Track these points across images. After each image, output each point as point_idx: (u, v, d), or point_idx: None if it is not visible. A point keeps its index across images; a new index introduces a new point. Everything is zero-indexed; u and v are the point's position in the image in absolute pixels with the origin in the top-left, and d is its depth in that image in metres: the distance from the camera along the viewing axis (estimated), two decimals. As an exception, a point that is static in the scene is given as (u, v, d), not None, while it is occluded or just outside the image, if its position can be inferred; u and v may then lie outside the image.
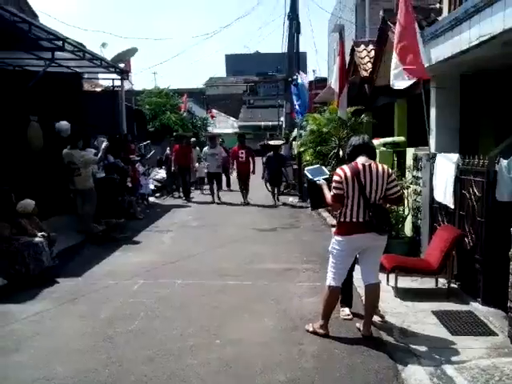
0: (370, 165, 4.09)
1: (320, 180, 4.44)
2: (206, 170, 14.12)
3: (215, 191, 13.48)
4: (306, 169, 4.87)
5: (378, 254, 4.34)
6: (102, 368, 3.77)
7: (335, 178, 4.12)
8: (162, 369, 3.76)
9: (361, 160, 4.11)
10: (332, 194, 4.15)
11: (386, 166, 4.22)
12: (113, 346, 4.17)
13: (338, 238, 4.19)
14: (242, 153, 13.06)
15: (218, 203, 13.19)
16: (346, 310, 4.77)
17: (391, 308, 4.87)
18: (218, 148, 14.00)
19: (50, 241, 6.56)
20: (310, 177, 4.57)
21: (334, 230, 4.40)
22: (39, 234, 6.24)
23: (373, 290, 4.29)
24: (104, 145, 9.00)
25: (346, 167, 4.14)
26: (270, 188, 13.32)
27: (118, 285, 5.92)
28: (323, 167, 4.85)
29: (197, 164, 15.40)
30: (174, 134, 16.77)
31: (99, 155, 8.83)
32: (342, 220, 4.17)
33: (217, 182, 13.59)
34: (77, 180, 8.46)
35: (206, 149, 14.01)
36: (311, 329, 4.35)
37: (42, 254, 6.02)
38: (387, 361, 3.84)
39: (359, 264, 4.45)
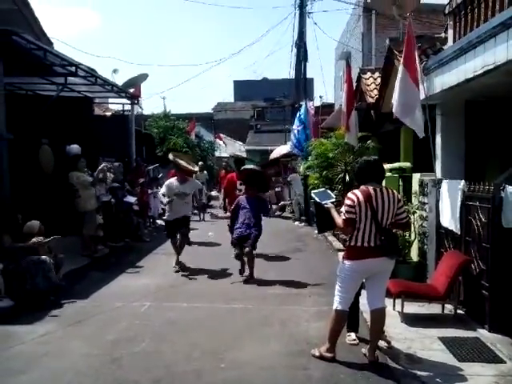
0: (381, 189, 4.11)
1: (328, 204, 4.43)
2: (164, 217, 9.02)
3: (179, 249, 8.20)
4: (312, 192, 4.89)
5: (385, 279, 4.33)
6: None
7: (347, 202, 4.12)
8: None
9: (372, 184, 4.13)
10: (344, 217, 4.12)
11: (395, 191, 4.26)
12: (119, 368, 4.19)
13: (348, 262, 4.16)
14: (240, 184, 8.64)
15: (178, 271, 7.92)
16: (353, 335, 4.76)
17: (397, 333, 4.85)
18: (192, 183, 8.61)
19: (57, 262, 6.63)
20: (317, 200, 4.59)
21: (341, 254, 4.43)
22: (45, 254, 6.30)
23: (379, 315, 4.26)
24: (101, 166, 9.07)
25: (358, 192, 4.13)
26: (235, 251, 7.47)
27: (125, 307, 5.94)
28: (329, 191, 4.87)
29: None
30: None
31: (94, 175, 8.86)
32: (352, 244, 4.15)
33: (182, 234, 8.16)
34: (77, 202, 8.52)
35: (168, 182, 8.45)
36: (317, 353, 4.33)
37: (49, 271, 6.07)
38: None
39: (365, 288, 4.41)
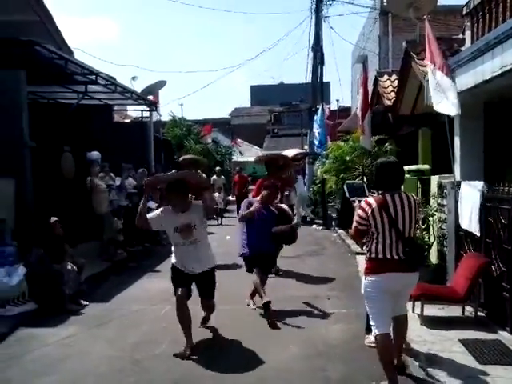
0: (400, 195, 3.80)
1: (356, 201, 4.24)
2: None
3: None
4: (346, 182, 4.61)
5: (410, 290, 4.13)
6: (130, 391, 3.87)
7: (359, 211, 3.84)
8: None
9: (388, 190, 3.82)
10: (354, 226, 3.93)
11: (414, 196, 3.99)
12: (140, 370, 4.26)
13: (370, 277, 3.80)
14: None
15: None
16: (371, 338, 4.74)
17: (417, 336, 4.82)
18: (196, 208, 4.83)
19: (79, 267, 6.76)
20: (346, 193, 4.39)
21: (359, 258, 4.29)
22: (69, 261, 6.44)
23: (402, 321, 4.07)
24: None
25: (371, 200, 3.84)
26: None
27: (145, 310, 6.03)
28: (365, 187, 4.58)
29: (216, 194, 15.50)
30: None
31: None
32: (373, 256, 3.81)
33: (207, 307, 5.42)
34: (94, 205, 8.82)
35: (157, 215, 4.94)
36: None
37: (68, 282, 6.16)
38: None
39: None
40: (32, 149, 7.64)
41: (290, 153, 11.78)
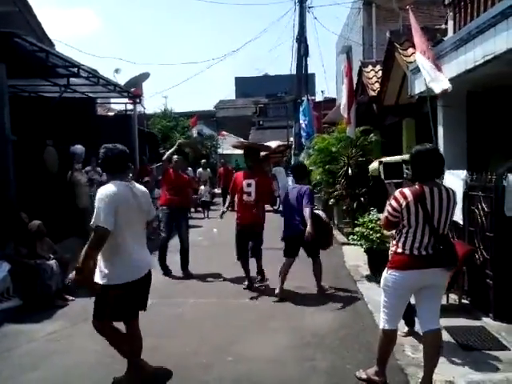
0: (439, 187, 3.47)
1: (391, 184, 3.89)
2: None
3: None
4: (383, 161, 4.19)
5: (439, 294, 3.70)
6: (118, 384, 3.85)
7: (393, 202, 3.51)
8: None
9: (428, 181, 3.47)
10: (385, 216, 3.62)
11: (453, 190, 3.60)
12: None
13: (393, 272, 3.53)
14: (249, 185, 6.56)
15: None
16: (406, 329, 4.65)
17: (401, 324, 4.86)
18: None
19: (64, 262, 6.69)
20: (382, 174, 3.97)
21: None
22: (51, 256, 6.36)
23: (434, 339, 3.59)
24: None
25: (407, 191, 3.47)
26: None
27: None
28: (404, 165, 4.02)
29: (202, 187, 15.47)
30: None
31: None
32: (399, 251, 3.51)
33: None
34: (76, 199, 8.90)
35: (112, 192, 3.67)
36: (364, 376, 3.81)
37: (52, 278, 6.07)
38: (398, 375, 3.86)
39: (416, 305, 3.75)
40: (14, 143, 7.53)
41: (273, 145, 11.73)
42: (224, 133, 31.51)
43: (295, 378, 3.89)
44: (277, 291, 6.13)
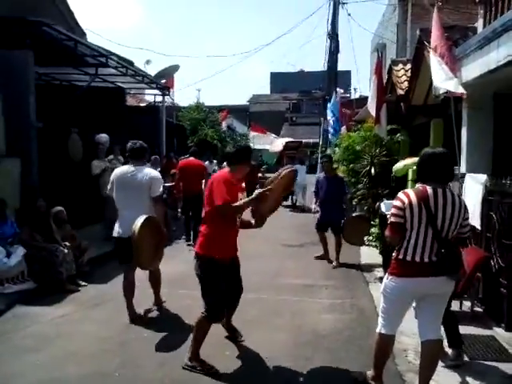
0: (444, 191, 3.34)
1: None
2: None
3: None
4: (383, 202, 4.53)
5: (442, 304, 3.52)
6: (115, 370, 3.93)
7: (396, 203, 3.40)
8: (172, 373, 3.88)
9: (432, 183, 3.36)
10: (389, 222, 3.45)
11: (462, 198, 3.52)
12: (126, 351, 4.30)
13: (393, 279, 3.43)
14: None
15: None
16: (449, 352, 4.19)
17: (410, 328, 4.69)
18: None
19: (82, 249, 6.84)
20: (384, 211, 4.08)
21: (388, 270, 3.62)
22: (66, 243, 6.44)
23: (432, 349, 3.45)
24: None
25: (410, 191, 3.41)
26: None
27: (142, 293, 6.05)
28: None
29: None
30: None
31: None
32: (400, 257, 3.39)
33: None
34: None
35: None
36: (361, 379, 3.77)
37: (63, 264, 6.13)
38: (396, 380, 3.78)
39: (416, 314, 3.63)
40: (39, 129, 7.72)
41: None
42: (258, 127, 31.25)
43: (286, 376, 3.87)
44: (334, 263, 7.67)
